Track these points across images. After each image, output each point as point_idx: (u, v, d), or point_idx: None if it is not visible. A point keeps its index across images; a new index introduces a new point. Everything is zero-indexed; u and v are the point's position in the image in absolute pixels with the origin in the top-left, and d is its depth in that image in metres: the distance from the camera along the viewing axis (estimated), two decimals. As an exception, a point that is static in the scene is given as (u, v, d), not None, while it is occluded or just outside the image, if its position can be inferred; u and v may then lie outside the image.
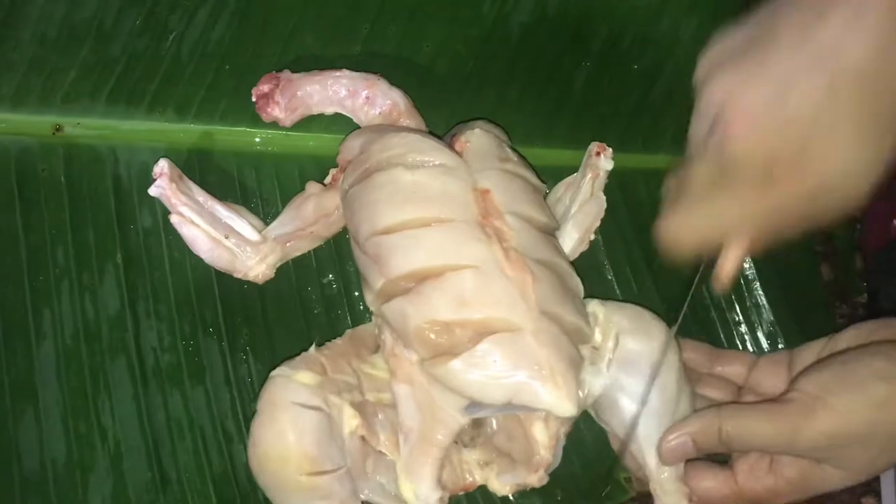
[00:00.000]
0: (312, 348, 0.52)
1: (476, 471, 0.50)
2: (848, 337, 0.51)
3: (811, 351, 0.53)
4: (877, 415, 0.45)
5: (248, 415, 0.57)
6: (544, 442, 0.50)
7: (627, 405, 0.52)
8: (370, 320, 0.60)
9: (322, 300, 0.60)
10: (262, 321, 0.59)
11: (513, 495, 0.57)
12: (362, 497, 0.51)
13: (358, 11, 0.63)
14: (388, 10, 0.63)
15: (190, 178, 0.57)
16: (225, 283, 0.58)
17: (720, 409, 0.49)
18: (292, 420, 0.48)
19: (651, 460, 0.51)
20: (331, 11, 0.62)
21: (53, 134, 0.58)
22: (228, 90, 0.61)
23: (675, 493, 0.52)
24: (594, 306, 0.53)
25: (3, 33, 0.57)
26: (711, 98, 0.43)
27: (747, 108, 0.41)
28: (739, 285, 0.72)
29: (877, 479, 0.73)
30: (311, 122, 0.62)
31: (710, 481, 0.52)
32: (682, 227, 0.46)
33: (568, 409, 0.45)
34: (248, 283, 0.57)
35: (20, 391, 0.54)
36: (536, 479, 0.51)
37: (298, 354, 0.58)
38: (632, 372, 0.52)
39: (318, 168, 0.61)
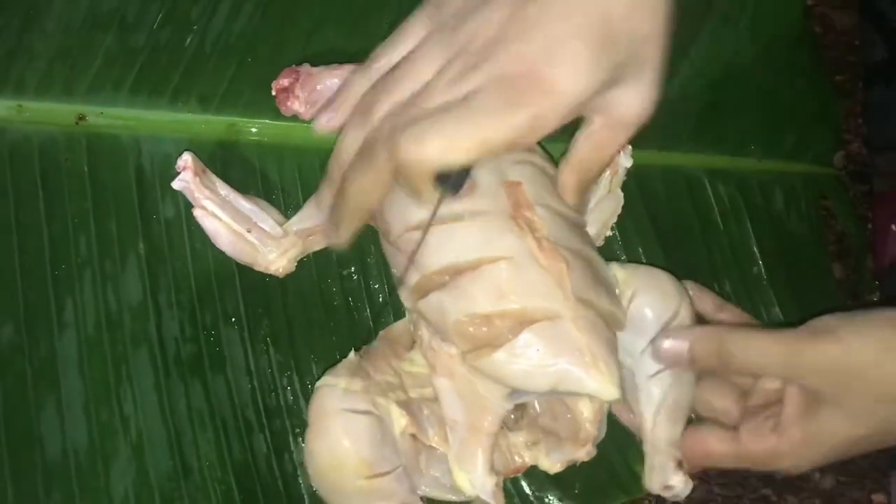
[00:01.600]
0: (351, 354, 0.53)
1: (525, 452, 0.51)
2: None
3: None
4: (885, 355, 0.44)
5: (269, 405, 0.58)
6: (590, 417, 0.51)
7: (629, 361, 0.52)
8: (390, 312, 0.60)
9: (342, 293, 0.61)
10: (282, 312, 0.59)
11: (533, 487, 0.58)
12: (420, 493, 0.51)
13: (380, 6, 0.63)
14: (411, 5, 0.63)
15: (212, 171, 0.58)
16: (246, 275, 0.58)
17: (726, 328, 0.49)
18: (344, 427, 0.48)
19: (648, 418, 0.52)
20: (353, 5, 0.62)
21: (76, 123, 0.58)
22: (251, 82, 0.61)
23: (665, 454, 0.52)
24: (614, 269, 0.53)
25: (28, 23, 0.57)
26: None
27: None
28: (749, 284, 0.73)
29: (886, 477, 0.73)
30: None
31: (712, 439, 0.50)
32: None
33: (612, 392, 0.46)
34: (270, 275, 0.57)
35: (42, 380, 0.54)
36: (585, 453, 0.51)
37: (318, 346, 0.59)
38: (643, 329, 0.52)
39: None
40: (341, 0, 0.62)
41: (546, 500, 0.60)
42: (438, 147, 0.42)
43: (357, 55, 0.61)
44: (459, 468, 0.48)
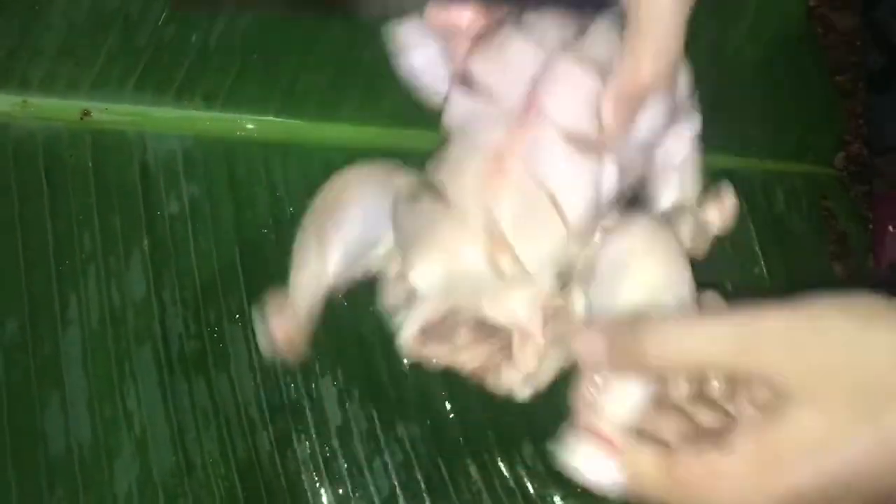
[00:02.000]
0: None
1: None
2: None
3: None
4: (873, 331, 0.32)
5: (273, 403, 0.58)
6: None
7: None
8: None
9: (346, 293, 0.60)
10: (286, 310, 0.59)
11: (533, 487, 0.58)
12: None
13: (385, 4, 0.63)
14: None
15: (216, 168, 0.58)
16: (249, 271, 0.59)
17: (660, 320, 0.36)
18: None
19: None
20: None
21: (81, 119, 0.58)
22: (256, 79, 0.61)
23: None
24: None
25: (32, 19, 0.58)
26: None
27: None
28: (750, 283, 0.73)
29: None
30: (338, 111, 0.62)
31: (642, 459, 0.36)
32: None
33: None
34: (273, 269, 0.58)
35: (46, 376, 0.54)
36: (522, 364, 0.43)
37: (321, 343, 0.59)
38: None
39: (343, 158, 0.62)
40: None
41: (548, 499, 0.60)
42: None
43: (361, 51, 0.61)
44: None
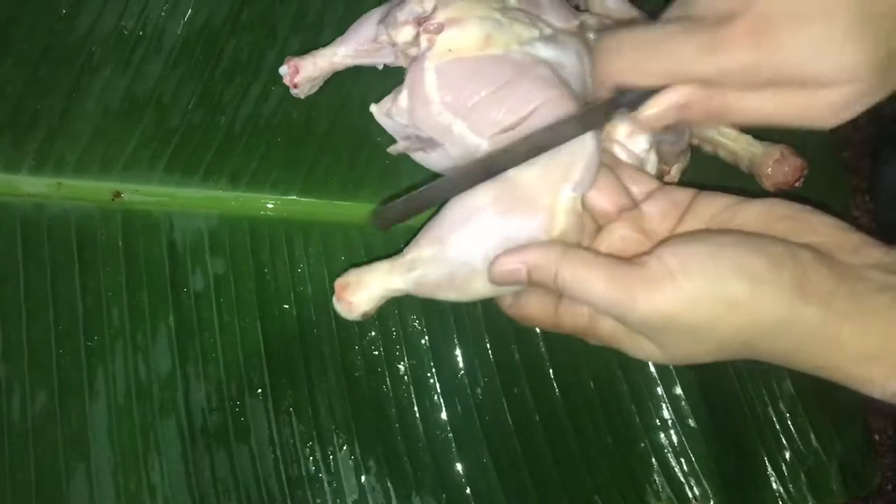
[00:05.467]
0: None
1: None
2: (756, 211, 0.45)
3: (713, 205, 0.47)
4: (722, 312, 0.39)
5: (291, 476, 0.59)
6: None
7: None
8: (409, 387, 0.62)
9: (364, 364, 0.62)
10: (305, 383, 0.61)
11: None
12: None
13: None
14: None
15: (240, 244, 0.61)
16: (270, 345, 0.61)
17: (565, 252, 0.44)
18: None
19: None
20: (382, 87, 0.65)
21: (112, 200, 0.61)
22: (280, 161, 0.64)
23: None
24: None
25: (70, 104, 0.61)
26: None
27: None
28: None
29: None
30: (359, 191, 0.65)
31: (532, 302, 0.48)
32: (622, 48, 0.43)
33: None
34: (294, 344, 0.60)
35: (73, 448, 0.56)
36: None
37: (339, 417, 0.60)
38: None
39: (361, 236, 0.64)
40: (367, 83, 0.64)
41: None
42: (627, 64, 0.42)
43: (379, 135, 0.64)
44: None
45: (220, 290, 0.60)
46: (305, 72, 0.60)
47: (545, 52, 0.51)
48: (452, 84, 0.50)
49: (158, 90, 0.62)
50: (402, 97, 0.51)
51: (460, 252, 0.48)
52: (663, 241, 0.44)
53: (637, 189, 0.50)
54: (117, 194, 0.61)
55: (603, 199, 0.49)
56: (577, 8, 0.59)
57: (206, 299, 0.61)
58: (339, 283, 0.51)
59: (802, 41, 0.37)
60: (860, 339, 0.39)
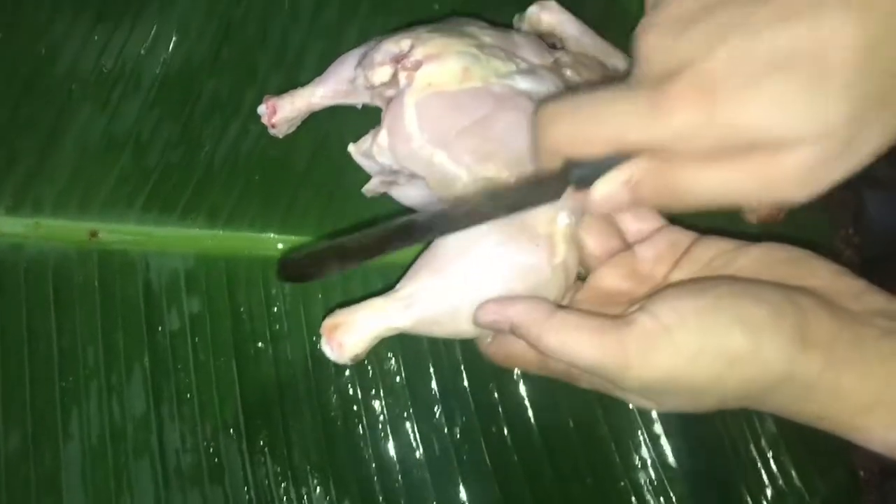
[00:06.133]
0: None
1: None
2: (754, 256, 0.43)
3: (711, 249, 0.45)
4: (723, 368, 0.37)
5: (265, 517, 0.59)
6: None
7: None
8: (385, 427, 0.61)
9: (340, 403, 0.62)
10: (280, 423, 0.61)
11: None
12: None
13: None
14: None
15: (216, 283, 0.61)
16: (246, 385, 0.60)
17: (551, 314, 0.41)
18: None
19: None
20: (360, 123, 0.65)
21: (89, 239, 0.61)
22: (258, 199, 0.64)
23: None
24: None
25: (48, 144, 0.61)
26: None
27: (676, 8, 0.35)
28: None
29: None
30: (337, 229, 0.65)
31: (518, 344, 0.44)
32: (563, 115, 0.38)
33: None
34: (269, 383, 0.60)
35: (46, 489, 0.56)
36: None
37: (314, 457, 0.60)
38: None
39: (339, 276, 0.64)
40: (345, 121, 0.65)
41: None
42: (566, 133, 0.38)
43: (356, 173, 0.64)
44: None
45: (196, 329, 0.60)
46: (283, 112, 0.60)
47: (524, 83, 0.51)
48: (433, 118, 0.49)
49: (137, 129, 0.63)
50: (382, 135, 0.51)
51: (462, 284, 0.46)
52: (655, 291, 0.42)
53: (638, 227, 0.48)
54: (94, 233, 0.61)
55: (592, 241, 0.48)
56: (553, 46, 0.60)
57: (181, 339, 0.61)
58: (327, 323, 0.47)
59: (755, 96, 0.32)
60: (862, 388, 0.37)
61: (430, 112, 0.49)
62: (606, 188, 0.37)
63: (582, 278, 0.50)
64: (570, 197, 0.39)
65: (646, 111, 0.34)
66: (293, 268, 0.42)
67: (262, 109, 0.60)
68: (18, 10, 0.62)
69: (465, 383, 0.63)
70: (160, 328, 0.61)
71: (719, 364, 0.37)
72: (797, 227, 0.71)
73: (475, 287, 0.46)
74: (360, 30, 0.66)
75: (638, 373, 0.38)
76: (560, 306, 0.44)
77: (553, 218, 0.47)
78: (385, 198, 0.64)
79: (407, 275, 0.48)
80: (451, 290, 0.46)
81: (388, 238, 0.40)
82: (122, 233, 0.62)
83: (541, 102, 0.41)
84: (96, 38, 0.63)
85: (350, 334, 0.47)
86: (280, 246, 0.64)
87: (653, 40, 0.35)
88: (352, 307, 0.48)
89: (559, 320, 0.40)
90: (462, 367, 0.63)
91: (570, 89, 0.52)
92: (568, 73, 0.55)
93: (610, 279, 0.47)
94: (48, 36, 0.63)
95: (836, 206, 0.78)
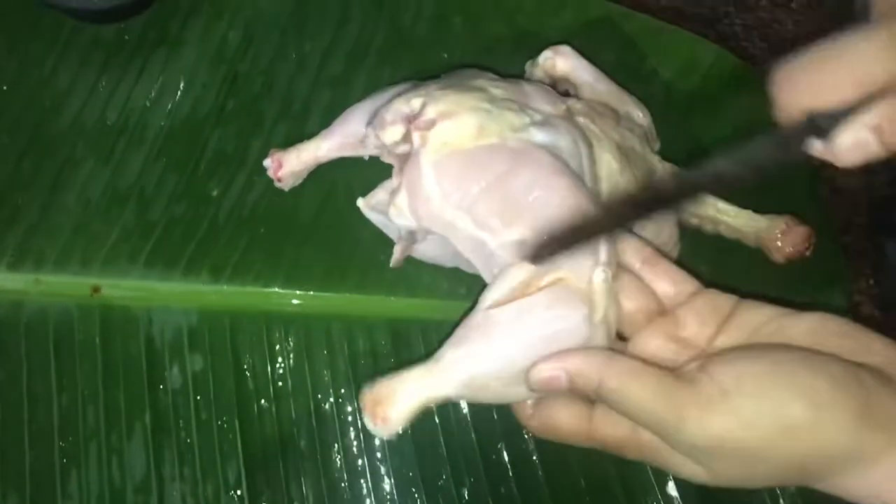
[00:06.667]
0: None
1: None
2: (807, 326, 0.42)
3: (757, 315, 0.44)
4: (779, 437, 0.37)
5: (267, 582, 0.57)
6: None
7: None
8: (392, 489, 0.60)
9: (344, 463, 0.61)
10: (282, 483, 0.59)
11: None
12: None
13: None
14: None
15: (219, 339, 0.60)
16: (248, 443, 0.59)
17: (610, 358, 0.41)
18: None
19: None
20: (362, 176, 0.64)
21: (91, 295, 0.60)
22: (263, 253, 0.63)
23: None
24: None
25: (51, 198, 0.60)
26: None
27: None
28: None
29: None
30: (342, 282, 0.63)
31: (563, 413, 0.45)
32: (801, 70, 0.36)
33: None
34: (272, 442, 0.58)
35: (44, 554, 0.55)
36: None
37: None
38: None
39: (344, 326, 0.63)
40: (352, 173, 0.64)
41: None
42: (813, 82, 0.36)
43: (362, 226, 0.63)
44: None
45: (199, 387, 0.59)
46: (289, 165, 0.59)
47: (540, 136, 0.49)
48: (451, 178, 0.48)
49: (141, 182, 0.62)
50: (402, 197, 0.50)
51: (511, 348, 0.44)
52: (708, 355, 0.41)
53: (674, 290, 0.47)
54: (96, 289, 0.60)
55: (629, 302, 0.46)
56: (565, 94, 0.59)
57: (183, 397, 0.59)
58: (369, 398, 0.45)
59: None
60: None
61: (448, 171, 0.48)
62: (853, 136, 0.36)
63: (621, 338, 0.48)
64: (813, 148, 0.37)
65: (886, 45, 0.33)
66: (542, 251, 0.42)
67: (267, 163, 0.59)
68: (24, 63, 0.62)
69: (474, 442, 0.62)
70: (162, 386, 0.59)
71: (775, 432, 0.37)
72: (815, 278, 0.70)
73: (524, 350, 0.44)
74: (368, 80, 0.66)
75: (692, 430, 0.38)
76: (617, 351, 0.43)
77: (587, 274, 0.45)
78: (392, 252, 0.63)
79: (450, 340, 0.46)
80: (499, 354, 0.44)
81: (632, 210, 0.40)
82: (124, 288, 0.61)
83: (776, 63, 0.38)
84: (101, 88, 0.63)
85: (395, 407, 0.44)
86: (287, 300, 0.63)
87: None
88: (393, 377, 0.45)
89: (621, 363, 0.40)
90: (470, 426, 0.62)
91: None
92: (581, 120, 0.54)
93: (654, 344, 0.46)
94: (52, 88, 0.62)
95: (856, 255, 0.76)
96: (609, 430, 0.43)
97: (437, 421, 0.61)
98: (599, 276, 0.45)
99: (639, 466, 0.62)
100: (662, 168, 0.59)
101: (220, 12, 0.65)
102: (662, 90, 0.68)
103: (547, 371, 0.42)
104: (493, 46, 0.67)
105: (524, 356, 0.44)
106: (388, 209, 0.51)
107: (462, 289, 0.65)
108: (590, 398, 0.43)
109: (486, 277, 0.48)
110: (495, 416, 0.62)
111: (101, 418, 0.58)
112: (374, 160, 0.58)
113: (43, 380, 0.58)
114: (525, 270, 0.46)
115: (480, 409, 0.62)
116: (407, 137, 0.50)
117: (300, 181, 0.61)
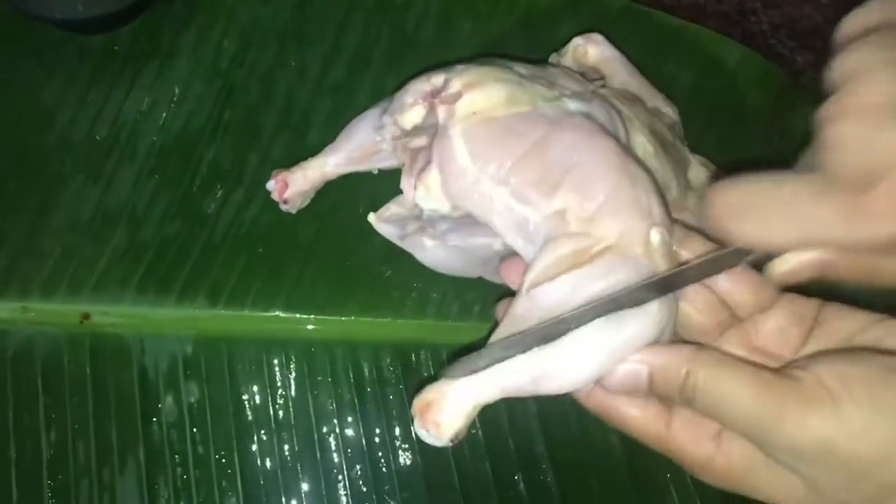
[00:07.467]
0: None
1: None
2: None
3: (848, 321, 0.39)
4: (892, 452, 0.33)
5: None
6: None
7: None
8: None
9: (351, 499, 0.57)
10: (285, 519, 0.56)
11: None
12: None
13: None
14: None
15: (216, 368, 0.56)
16: (247, 476, 0.56)
17: (699, 351, 0.36)
18: None
19: None
20: (369, 189, 0.61)
21: (81, 323, 0.57)
22: (261, 274, 0.59)
23: None
24: None
25: (38, 221, 0.57)
26: (843, 66, 0.33)
27: (874, 95, 0.32)
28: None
29: None
30: (346, 305, 0.60)
31: (636, 411, 0.39)
32: (747, 208, 0.35)
33: None
34: (272, 476, 0.55)
35: None
36: None
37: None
38: None
39: (349, 351, 0.59)
40: (356, 187, 0.60)
41: None
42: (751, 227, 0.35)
43: (366, 245, 0.59)
44: None
45: (195, 419, 0.56)
46: (296, 186, 0.55)
47: (574, 105, 0.45)
48: (485, 147, 0.43)
49: (132, 201, 0.58)
50: (433, 176, 0.45)
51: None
52: (799, 360, 0.37)
53: (750, 297, 0.40)
54: (86, 316, 0.57)
55: (698, 315, 0.40)
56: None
57: (179, 430, 0.56)
58: (418, 405, 0.40)
59: None
60: None
61: (480, 141, 0.43)
62: (793, 265, 0.36)
63: None
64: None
65: (844, 218, 0.32)
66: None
67: (271, 185, 0.55)
68: (7, 76, 0.59)
69: (489, 471, 0.58)
70: (156, 418, 0.56)
71: (888, 445, 0.33)
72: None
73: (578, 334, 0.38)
74: (372, 87, 0.62)
75: (792, 432, 0.33)
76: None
77: (644, 237, 0.40)
78: (399, 272, 0.60)
79: (498, 332, 0.40)
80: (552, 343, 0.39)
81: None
82: (115, 315, 0.57)
83: (713, 185, 0.37)
84: (89, 102, 0.59)
85: (445, 411, 0.39)
86: (286, 325, 0.59)
87: (848, 131, 0.32)
88: (437, 382, 0.40)
89: (710, 354, 0.36)
90: (485, 454, 0.58)
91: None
92: (613, 101, 0.49)
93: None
94: (37, 103, 0.59)
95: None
96: (690, 446, 0.38)
97: (450, 450, 0.58)
98: (656, 237, 0.40)
99: (659, 491, 0.59)
100: (695, 160, 0.54)
101: (215, 20, 0.61)
102: (685, 94, 0.64)
103: (627, 368, 0.37)
104: (504, 48, 0.63)
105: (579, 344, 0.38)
106: (404, 218, 0.48)
107: (476, 307, 0.61)
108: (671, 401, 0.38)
109: (526, 255, 0.43)
110: (511, 446, 0.59)
111: (93, 454, 0.55)
112: (379, 175, 0.54)
113: (30, 413, 0.55)
114: (573, 241, 0.40)
115: (496, 438, 0.58)
116: (431, 116, 0.45)
117: (307, 202, 0.58)
